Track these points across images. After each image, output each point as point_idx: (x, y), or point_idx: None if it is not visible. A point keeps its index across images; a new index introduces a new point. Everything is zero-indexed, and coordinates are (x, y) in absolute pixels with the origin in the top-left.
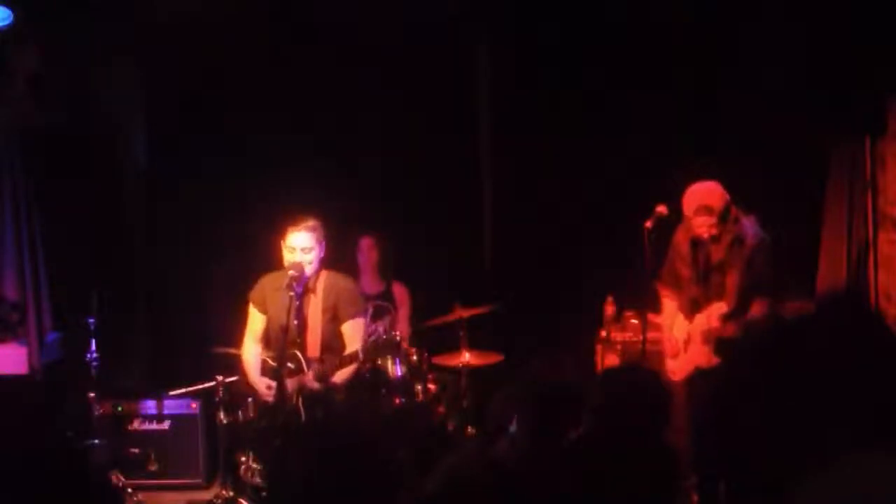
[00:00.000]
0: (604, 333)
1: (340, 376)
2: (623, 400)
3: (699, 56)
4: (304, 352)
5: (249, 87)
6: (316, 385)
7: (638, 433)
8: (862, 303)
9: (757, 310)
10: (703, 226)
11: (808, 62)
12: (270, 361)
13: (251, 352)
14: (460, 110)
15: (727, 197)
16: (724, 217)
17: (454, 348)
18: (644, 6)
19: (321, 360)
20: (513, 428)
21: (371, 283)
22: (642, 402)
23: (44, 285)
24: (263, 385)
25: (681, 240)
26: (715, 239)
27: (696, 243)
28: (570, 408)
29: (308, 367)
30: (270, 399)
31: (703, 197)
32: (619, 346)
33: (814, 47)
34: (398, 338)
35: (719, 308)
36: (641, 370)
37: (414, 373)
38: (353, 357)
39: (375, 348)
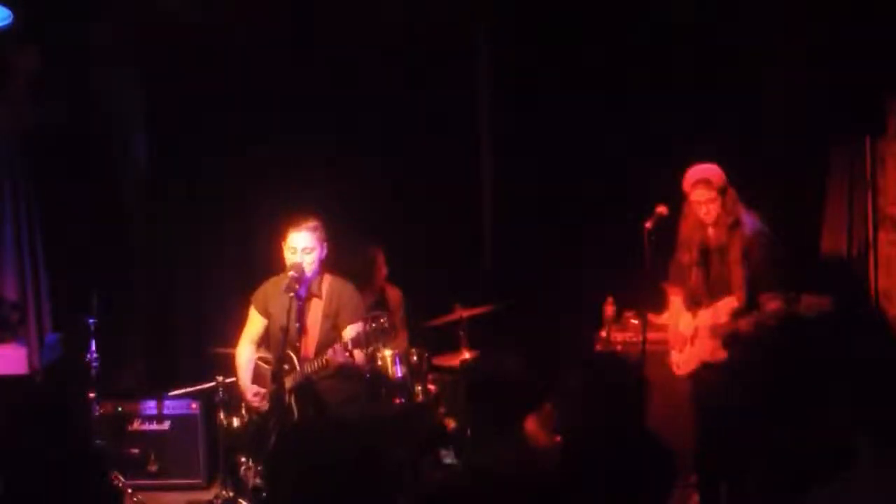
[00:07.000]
0: (604, 333)
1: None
2: (591, 387)
3: (699, 56)
4: (298, 354)
5: (249, 87)
6: (339, 359)
7: (614, 421)
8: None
9: (768, 306)
10: (701, 198)
11: (808, 62)
12: (263, 365)
13: (245, 354)
14: (460, 111)
15: (725, 177)
16: (722, 192)
17: (454, 348)
18: (644, 6)
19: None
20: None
21: (369, 292)
22: (610, 387)
23: (44, 285)
24: (251, 392)
25: (683, 225)
26: (715, 221)
27: (699, 246)
28: (515, 395)
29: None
30: (256, 405)
31: (702, 171)
32: (619, 347)
33: (814, 47)
34: (387, 324)
35: (729, 303)
36: (607, 358)
37: (414, 373)
38: (345, 346)
39: (367, 336)
